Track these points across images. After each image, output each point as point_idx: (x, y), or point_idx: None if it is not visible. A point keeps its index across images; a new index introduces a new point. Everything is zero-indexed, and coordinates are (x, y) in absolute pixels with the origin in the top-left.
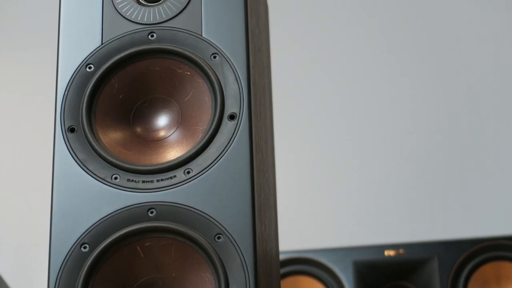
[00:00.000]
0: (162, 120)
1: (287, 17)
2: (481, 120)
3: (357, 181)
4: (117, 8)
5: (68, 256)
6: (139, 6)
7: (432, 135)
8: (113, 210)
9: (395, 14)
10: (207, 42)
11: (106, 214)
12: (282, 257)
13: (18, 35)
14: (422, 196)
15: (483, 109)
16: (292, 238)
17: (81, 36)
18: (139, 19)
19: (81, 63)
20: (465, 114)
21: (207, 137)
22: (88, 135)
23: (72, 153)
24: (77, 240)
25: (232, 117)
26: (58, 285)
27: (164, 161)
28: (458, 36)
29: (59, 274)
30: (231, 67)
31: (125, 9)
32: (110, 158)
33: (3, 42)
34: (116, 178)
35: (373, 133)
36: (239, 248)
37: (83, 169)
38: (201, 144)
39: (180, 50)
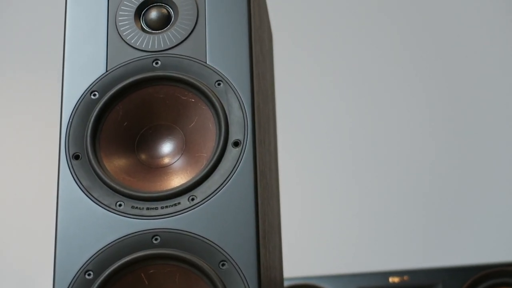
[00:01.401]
0: (166, 147)
1: (291, 44)
2: (487, 145)
3: (361, 207)
4: (121, 35)
5: (72, 283)
6: (144, 34)
7: (436, 162)
8: (118, 237)
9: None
10: (212, 69)
11: (110, 241)
12: (286, 284)
13: (23, 60)
14: (426, 223)
15: (491, 132)
16: (297, 265)
17: (86, 63)
18: (143, 46)
19: (85, 90)
20: (472, 138)
21: (211, 164)
22: (93, 162)
23: (76, 180)
24: (81, 267)
25: (236, 144)
26: None
27: (169, 188)
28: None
29: None
30: (236, 94)
31: (129, 36)
32: (115, 185)
33: (8, 68)
34: (120, 205)
35: (376, 161)
36: (243, 275)
37: (87, 196)
38: (205, 171)
39: (185, 77)
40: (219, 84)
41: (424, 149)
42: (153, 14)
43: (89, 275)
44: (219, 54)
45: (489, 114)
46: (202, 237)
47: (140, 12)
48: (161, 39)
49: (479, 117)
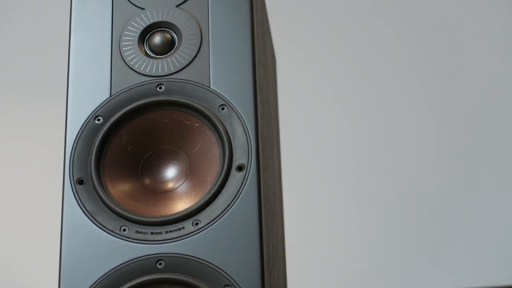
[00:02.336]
0: (170, 172)
1: (294, 68)
2: (482, 174)
3: (366, 233)
4: (125, 61)
5: None
6: (148, 58)
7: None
8: (122, 262)
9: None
10: (215, 94)
11: (114, 266)
12: None
13: (27, 84)
14: (427, 249)
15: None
16: None
17: (90, 88)
18: (147, 71)
19: (89, 115)
20: (472, 164)
21: (215, 188)
22: (97, 187)
23: (80, 205)
24: None
25: (240, 168)
26: None
27: (173, 212)
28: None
29: None
30: (239, 119)
31: (133, 61)
32: (119, 210)
33: (12, 92)
34: (124, 229)
35: (384, 189)
36: None
37: (91, 221)
38: (209, 195)
39: (188, 102)
40: (223, 109)
41: (421, 178)
42: (157, 39)
43: None
44: (222, 78)
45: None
46: (206, 261)
47: (144, 37)
48: (165, 64)
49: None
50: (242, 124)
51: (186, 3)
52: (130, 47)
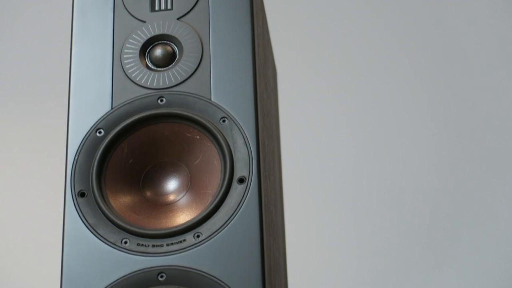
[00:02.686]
0: (171, 184)
1: (295, 80)
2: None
3: (367, 245)
4: (126, 73)
5: None
6: (149, 71)
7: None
8: (123, 274)
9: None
10: (216, 106)
11: (116, 279)
12: None
13: (27, 97)
14: (435, 262)
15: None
16: None
17: (91, 101)
18: (148, 83)
19: (91, 128)
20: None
21: (216, 201)
22: (98, 199)
23: (82, 217)
24: None
25: (241, 180)
26: None
27: (174, 225)
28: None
29: None
30: (240, 131)
31: (134, 74)
32: (120, 223)
33: (13, 105)
34: (126, 242)
35: (388, 204)
36: None
37: (93, 233)
38: (210, 207)
39: (189, 115)
40: (224, 121)
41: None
42: (158, 52)
43: None
44: (223, 91)
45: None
46: (208, 274)
47: (145, 50)
48: (166, 77)
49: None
50: (243, 137)
51: (187, 16)
52: (131, 59)
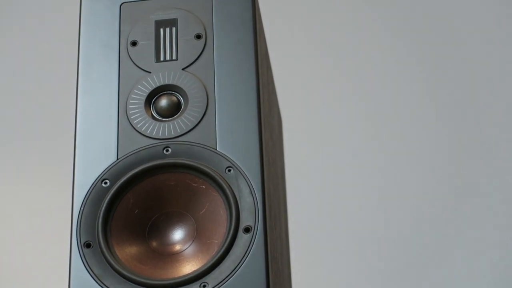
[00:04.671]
0: (177, 234)
1: (300, 127)
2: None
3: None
4: (132, 124)
5: None
6: (154, 121)
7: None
8: None
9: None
10: (222, 156)
11: None
12: None
13: (34, 149)
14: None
15: None
16: None
17: (97, 152)
18: (154, 134)
19: (96, 179)
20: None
21: (222, 250)
22: (104, 250)
23: (88, 268)
24: None
25: (247, 230)
26: None
27: (180, 275)
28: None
29: None
30: (246, 180)
31: (140, 124)
32: (126, 273)
33: (19, 156)
34: None
35: (387, 244)
36: None
37: (99, 284)
38: (216, 257)
39: (195, 164)
40: (229, 171)
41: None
42: (163, 102)
43: None
44: (229, 140)
45: None
46: None
47: (150, 100)
48: (171, 127)
49: None
50: (249, 186)
51: (192, 66)
52: (137, 110)
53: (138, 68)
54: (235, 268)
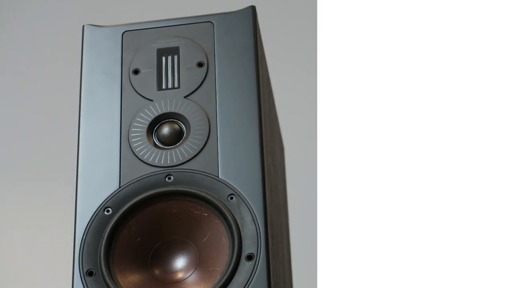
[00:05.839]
0: (180, 262)
1: (302, 154)
2: None
3: None
4: (134, 152)
5: None
6: (156, 149)
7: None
8: None
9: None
10: (224, 183)
11: None
12: None
13: (36, 177)
14: None
15: None
16: None
17: (99, 180)
18: (156, 162)
19: (99, 207)
20: None
21: (225, 278)
22: (107, 278)
23: None
24: None
25: (249, 257)
26: None
27: None
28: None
29: None
30: (248, 208)
31: (142, 152)
32: None
33: (22, 184)
34: None
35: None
36: None
37: None
38: (219, 285)
39: (197, 192)
40: (231, 198)
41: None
42: (165, 130)
43: None
44: (231, 168)
45: None
46: None
47: (152, 128)
48: (173, 155)
49: None
50: (251, 213)
51: (193, 94)
52: (139, 138)
53: (140, 96)
54: None
